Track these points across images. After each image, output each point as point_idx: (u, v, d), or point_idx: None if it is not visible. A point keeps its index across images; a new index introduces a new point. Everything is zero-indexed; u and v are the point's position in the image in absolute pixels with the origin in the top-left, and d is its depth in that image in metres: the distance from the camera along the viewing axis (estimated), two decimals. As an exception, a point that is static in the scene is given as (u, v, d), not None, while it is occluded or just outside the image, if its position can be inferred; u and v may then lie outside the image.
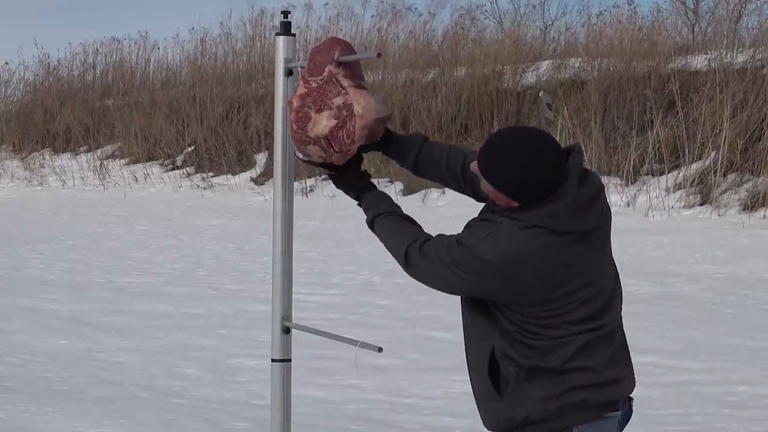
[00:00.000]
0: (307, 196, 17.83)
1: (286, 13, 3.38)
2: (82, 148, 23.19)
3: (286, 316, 3.38)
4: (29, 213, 18.12)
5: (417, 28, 21.10)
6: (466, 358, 3.06)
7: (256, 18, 22.62)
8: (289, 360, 3.39)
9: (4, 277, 11.11)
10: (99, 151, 22.67)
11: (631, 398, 3.03)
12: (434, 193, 16.36)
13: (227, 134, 20.55)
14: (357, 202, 3.22)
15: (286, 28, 3.36)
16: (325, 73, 3.13)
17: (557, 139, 2.94)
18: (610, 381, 2.94)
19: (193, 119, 21.28)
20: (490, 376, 2.95)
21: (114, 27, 54.59)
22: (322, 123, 3.13)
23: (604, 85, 16.53)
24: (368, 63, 17.17)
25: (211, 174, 20.34)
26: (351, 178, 3.22)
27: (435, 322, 8.43)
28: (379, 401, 6.42)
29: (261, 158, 20.01)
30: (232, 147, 20.37)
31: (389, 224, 3.10)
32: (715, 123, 14.87)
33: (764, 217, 13.68)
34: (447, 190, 15.89)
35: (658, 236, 12.90)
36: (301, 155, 3.23)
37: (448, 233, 2.99)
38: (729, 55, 15.91)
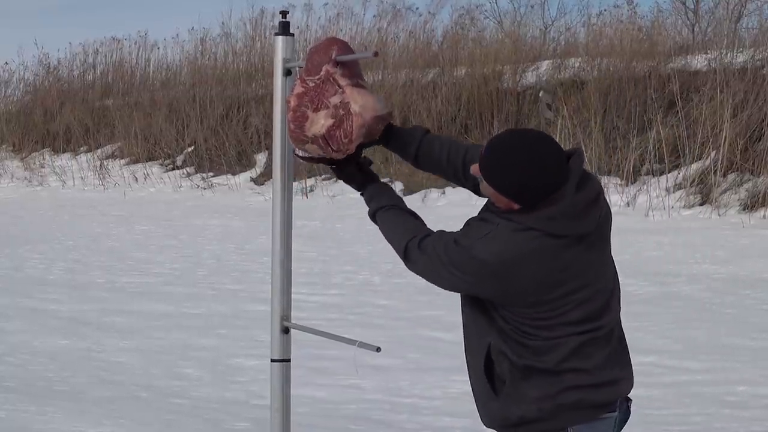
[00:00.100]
0: (307, 196, 17.83)
1: (284, 13, 3.37)
2: (82, 148, 23.18)
3: (286, 316, 3.38)
4: (29, 213, 18.11)
5: (417, 28, 21.12)
6: (466, 358, 3.06)
7: (256, 18, 22.67)
8: (289, 360, 3.40)
9: (4, 277, 11.11)
10: (99, 151, 22.67)
11: (630, 399, 3.03)
12: (434, 193, 16.35)
13: (227, 134, 20.54)
14: (360, 192, 3.23)
15: (284, 28, 3.36)
16: (322, 73, 3.13)
17: (557, 140, 2.93)
18: (607, 382, 2.93)
19: (193, 119, 21.28)
20: (486, 374, 2.95)
21: (114, 27, 54.61)
22: (320, 122, 3.12)
23: (604, 85, 16.52)
24: (368, 63, 17.16)
25: (211, 174, 20.34)
26: (352, 170, 3.23)
27: (435, 323, 8.42)
28: (379, 401, 6.41)
29: (261, 158, 20.00)
30: (232, 147, 20.36)
31: (391, 217, 3.11)
32: (715, 123, 14.87)
33: (764, 217, 13.68)
34: (447, 190, 15.90)
35: (658, 236, 12.90)
36: (299, 152, 3.23)
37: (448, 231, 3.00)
38: (729, 55, 15.90)
